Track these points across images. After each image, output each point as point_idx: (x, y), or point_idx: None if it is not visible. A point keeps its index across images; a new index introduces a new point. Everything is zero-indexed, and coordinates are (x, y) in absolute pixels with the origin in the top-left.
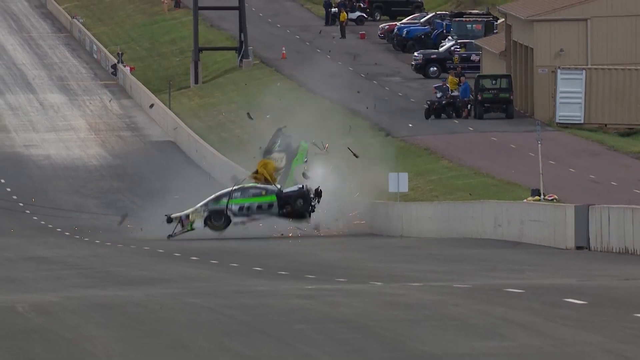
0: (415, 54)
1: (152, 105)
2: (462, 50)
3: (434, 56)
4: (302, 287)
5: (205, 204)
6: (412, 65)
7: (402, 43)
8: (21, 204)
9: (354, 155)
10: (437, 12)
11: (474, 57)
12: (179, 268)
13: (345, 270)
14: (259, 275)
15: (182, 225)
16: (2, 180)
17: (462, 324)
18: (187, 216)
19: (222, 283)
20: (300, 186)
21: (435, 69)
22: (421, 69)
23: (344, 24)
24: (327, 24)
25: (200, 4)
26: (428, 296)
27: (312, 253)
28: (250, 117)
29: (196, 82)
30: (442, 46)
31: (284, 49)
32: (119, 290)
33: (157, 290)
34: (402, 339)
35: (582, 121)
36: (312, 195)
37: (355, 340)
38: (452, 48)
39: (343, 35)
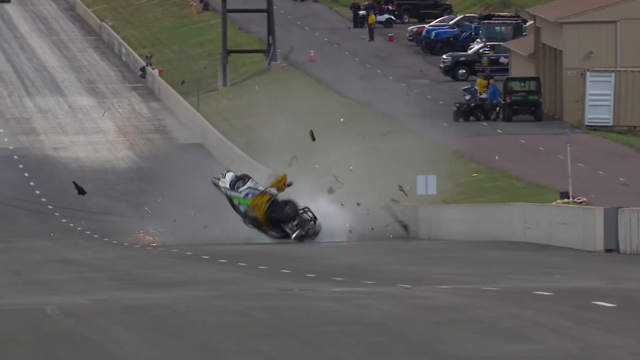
0: (444, 56)
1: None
2: (490, 53)
3: (463, 58)
4: (330, 290)
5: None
6: (440, 67)
7: (431, 45)
8: (50, 207)
9: (404, 193)
10: (466, 15)
11: (502, 60)
12: (207, 270)
13: (373, 272)
14: (287, 278)
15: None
16: (32, 183)
17: (490, 326)
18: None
19: (250, 285)
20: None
21: (464, 71)
22: (450, 71)
23: (372, 26)
24: (355, 26)
25: (228, 7)
26: (456, 299)
27: (340, 256)
28: (313, 138)
29: (224, 84)
30: (470, 49)
31: (312, 51)
32: (147, 292)
33: (185, 293)
34: (430, 342)
35: (611, 123)
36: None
37: (383, 343)
38: (481, 50)
39: (371, 38)
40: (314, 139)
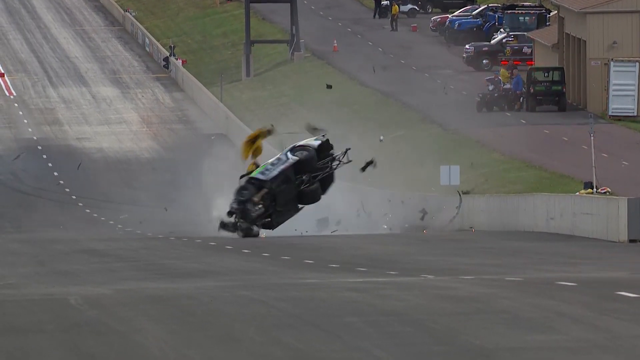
0: (467, 46)
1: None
2: (513, 43)
3: (486, 49)
4: (353, 280)
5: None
6: (463, 57)
7: (454, 35)
8: (74, 197)
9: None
10: (489, 5)
11: (525, 50)
12: (231, 261)
13: (396, 263)
14: (310, 268)
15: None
16: (55, 173)
17: (513, 317)
18: None
19: (273, 276)
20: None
21: (487, 61)
22: (473, 61)
23: (395, 16)
24: (374, 16)
25: None
26: (479, 289)
27: (364, 246)
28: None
29: (248, 75)
30: (494, 39)
31: (335, 41)
32: (171, 282)
33: (208, 283)
34: (453, 332)
35: (635, 114)
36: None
37: (406, 334)
38: (504, 40)
39: (394, 28)
40: (329, 87)
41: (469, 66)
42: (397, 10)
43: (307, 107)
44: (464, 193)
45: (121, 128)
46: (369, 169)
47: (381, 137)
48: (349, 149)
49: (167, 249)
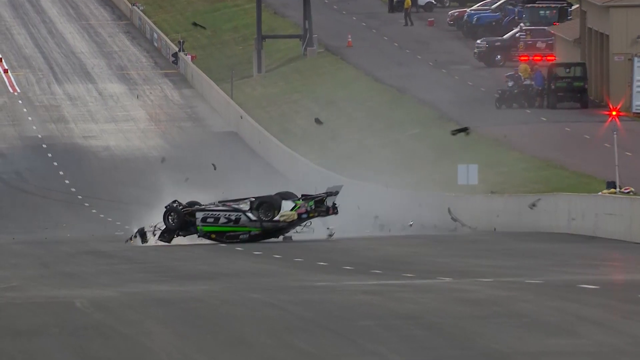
0: (478, 41)
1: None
2: (527, 37)
3: (498, 43)
4: (367, 283)
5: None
6: (474, 53)
7: (472, 30)
8: (80, 197)
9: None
10: None
11: (539, 44)
12: (241, 262)
13: (412, 265)
14: (323, 270)
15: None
16: (61, 172)
17: (533, 320)
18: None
19: (286, 278)
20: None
21: (499, 57)
22: (484, 57)
23: (408, 10)
24: (390, 10)
25: None
26: (498, 292)
27: (378, 248)
28: (318, 122)
29: (259, 71)
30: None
31: (349, 36)
32: (179, 285)
33: (218, 286)
34: (471, 336)
35: None
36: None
37: (423, 337)
38: (517, 35)
39: (407, 23)
40: (319, 122)
41: (480, 62)
42: (410, 4)
43: (320, 104)
44: (533, 206)
45: (128, 126)
46: (460, 134)
47: (411, 223)
48: (332, 193)
49: (175, 250)
